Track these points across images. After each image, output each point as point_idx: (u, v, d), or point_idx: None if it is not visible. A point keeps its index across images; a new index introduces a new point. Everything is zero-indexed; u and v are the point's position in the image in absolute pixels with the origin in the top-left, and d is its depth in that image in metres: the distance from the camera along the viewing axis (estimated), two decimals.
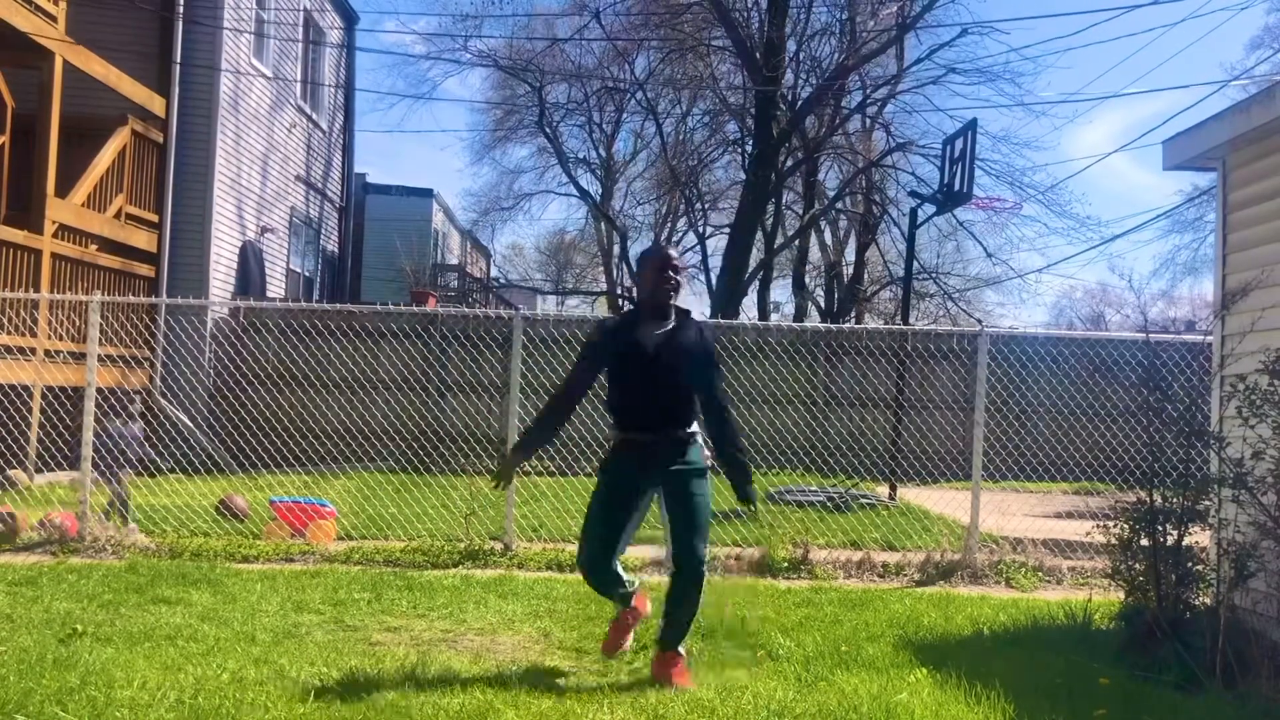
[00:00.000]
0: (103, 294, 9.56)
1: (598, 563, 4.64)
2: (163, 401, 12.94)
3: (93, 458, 8.14)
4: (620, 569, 4.77)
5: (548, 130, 25.89)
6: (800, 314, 26.82)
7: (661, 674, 4.45)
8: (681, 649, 4.57)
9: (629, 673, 4.67)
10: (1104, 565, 6.18)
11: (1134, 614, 5.19)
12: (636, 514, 4.58)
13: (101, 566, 6.86)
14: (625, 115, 27.09)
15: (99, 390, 8.28)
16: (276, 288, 17.09)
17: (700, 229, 29.14)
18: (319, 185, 19.36)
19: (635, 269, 4.97)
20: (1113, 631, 5.45)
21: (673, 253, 4.70)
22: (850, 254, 27.96)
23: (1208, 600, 5.09)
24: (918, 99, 21.37)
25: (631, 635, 4.88)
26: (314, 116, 18.93)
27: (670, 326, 4.55)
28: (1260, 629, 4.93)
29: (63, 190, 11.67)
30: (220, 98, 14.38)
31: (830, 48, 20.95)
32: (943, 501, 9.67)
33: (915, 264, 16.64)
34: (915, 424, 14.47)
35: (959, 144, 12.91)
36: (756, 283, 24.53)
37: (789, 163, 22.20)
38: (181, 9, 13.75)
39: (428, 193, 26.61)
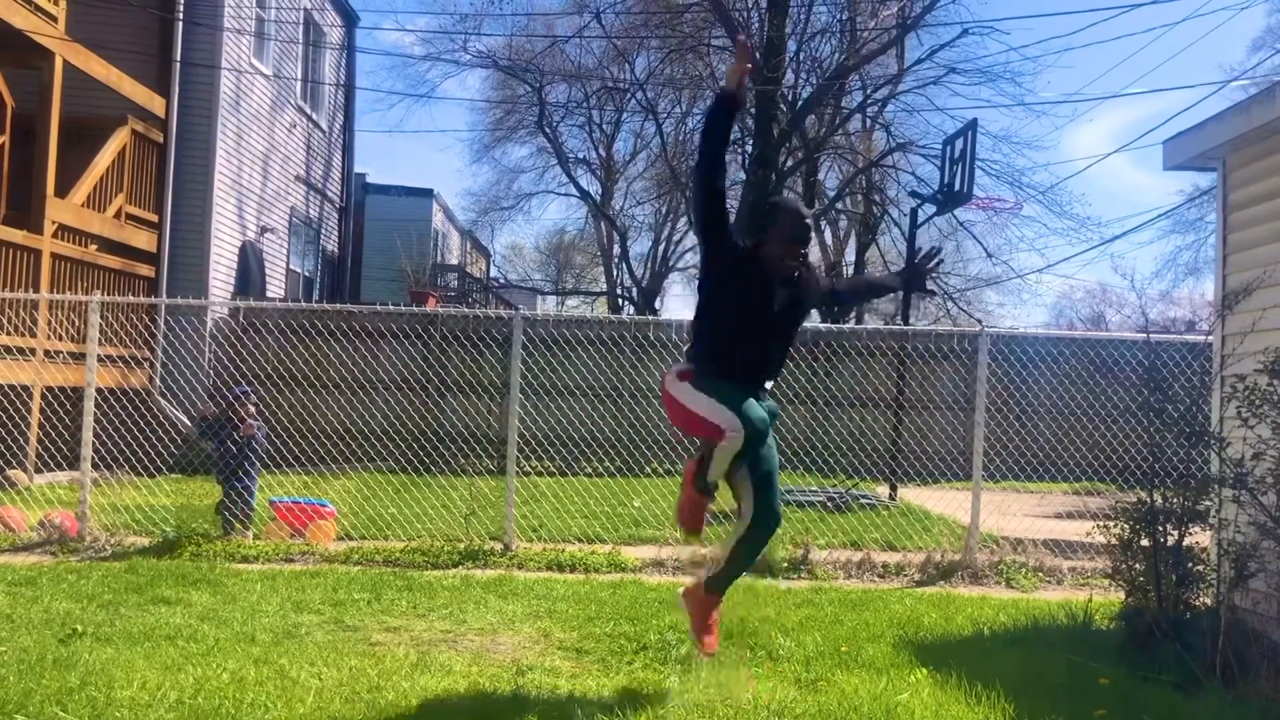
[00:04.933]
0: (102, 294, 9.56)
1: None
2: (162, 401, 12.93)
3: (224, 465, 8.25)
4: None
5: (547, 130, 25.91)
6: None
7: (699, 622, 4.35)
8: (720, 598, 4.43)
9: (628, 673, 4.66)
10: (1104, 565, 6.18)
11: (1134, 614, 5.19)
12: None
13: (101, 566, 6.86)
14: (625, 115, 27.13)
15: (100, 390, 8.29)
16: (276, 288, 17.09)
17: None
18: (319, 185, 19.36)
19: (764, 216, 4.39)
20: (1113, 631, 5.45)
21: (810, 221, 4.30)
22: (850, 254, 27.97)
23: (1208, 600, 5.08)
24: (918, 99, 21.38)
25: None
26: (314, 116, 18.93)
27: (795, 281, 4.30)
28: (1260, 629, 4.93)
29: (63, 190, 11.67)
30: (220, 98, 14.38)
31: (831, 48, 20.99)
32: (943, 501, 9.67)
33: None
34: (915, 424, 14.47)
35: (959, 144, 12.91)
36: None
37: (789, 163, 22.19)
38: (182, 9, 13.75)
39: (428, 193, 26.62)
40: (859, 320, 26.26)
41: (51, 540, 7.68)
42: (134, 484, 10.14)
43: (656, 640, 5.21)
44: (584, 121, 27.67)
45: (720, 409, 4.14)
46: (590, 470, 13.52)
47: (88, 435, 8.02)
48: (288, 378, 12.72)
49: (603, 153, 30.49)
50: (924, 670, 4.65)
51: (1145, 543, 5.06)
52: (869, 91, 22.29)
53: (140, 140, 13.28)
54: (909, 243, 14.55)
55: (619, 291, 31.05)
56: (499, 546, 7.86)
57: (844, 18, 20.37)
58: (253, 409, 8.39)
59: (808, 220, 4.27)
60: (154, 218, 13.63)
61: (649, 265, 31.49)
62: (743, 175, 21.66)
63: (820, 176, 24.48)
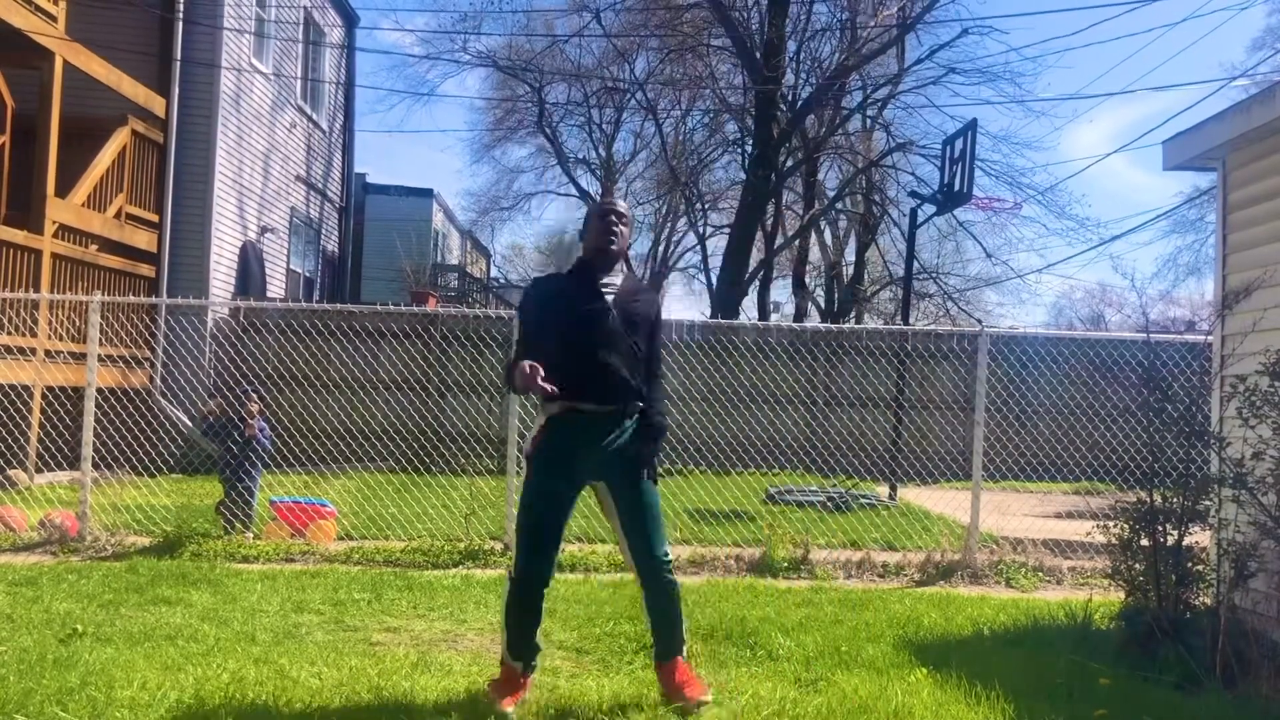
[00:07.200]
0: (103, 294, 9.56)
1: (545, 578, 4.07)
2: (163, 401, 12.93)
3: (228, 463, 8.26)
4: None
5: (547, 130, 25.92)
6: (800, 314, 26.84)
7: (671, 690, 4.05)
8: (683, 653, 4.16)
9: (629, 673, 4.66)
10: (1104, 565, 6.18)
11: (1134, 614, 5.19)
12: (569, 515, 4.08)
13: (102, 566, 6.86)
14: (625, 115, 27.14)
15: (100, 390, 8.29)
16: (277, 288, 17.09)
17: (700, 229, 29.17)
18: (319, 185, 19.36)
19: (582, 227, 4.24)
20: (1113, 631, 5.44)
21: (619, 203, 4.23)
22: (850, 254, 28.00)
23: (1208, 600, 5.09)
24: (918, 99, 21.41)
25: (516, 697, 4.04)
26: (314, 116, 18.92)
27: (618, 280, 4.11)
28: (1260, 629, 4.93)
29: (63, 190, 11.67)
30: (221, 97, 14.37)
31: (830, 48, 20.99)
32: (943, 501, 9.67)
33: (915, 264, 16.64)
34: (915, 424, 14.48)
35: (959, 144, 12.91)
36: (756, 283, 24.53)
37: (789, 163, 22.20)
38: (182, 8, 13.74)
39: (428, 193, 26.63)
40: (859, 320, 26.28)
41: (52, 540, 7.69)
42: (134, 484, 10.15)
43: None
44: (584, 121, 27.70)
45: (520, 543, 3.99)
46: None
47: (88, 435, 8.02)
48: (288, 378, 12.72)
49: (603, 153, 30.51)
50: (924, 670, 4.65)
51: (1145, 543, 5.06)
52: (869, 91, 22.31)
53: (140, 140, 13.28)
54: (909, 243, 14.56)
55: None
56: (499, 546, 7.86)
57: (844, 18, 20.38)
58: (256, 408, 8.39)
59: (612, 200, 4.29)
60: (154, 218, 13.63)
61: (649, 265, 31.50)
62: (743, 176, 21.66)
63: (820, 177, 24.50)
